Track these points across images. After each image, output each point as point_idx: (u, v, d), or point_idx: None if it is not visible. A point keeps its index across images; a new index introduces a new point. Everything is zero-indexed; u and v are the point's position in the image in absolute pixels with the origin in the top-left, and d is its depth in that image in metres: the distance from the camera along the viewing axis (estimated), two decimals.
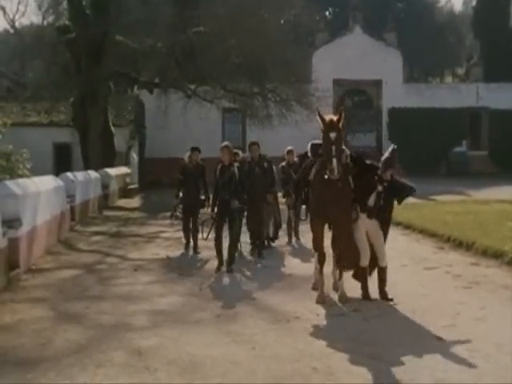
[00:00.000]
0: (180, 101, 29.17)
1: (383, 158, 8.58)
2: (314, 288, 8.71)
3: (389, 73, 38.31)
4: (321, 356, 6.14)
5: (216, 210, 10.73)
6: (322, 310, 7.91)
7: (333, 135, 7.89)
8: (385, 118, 39.02)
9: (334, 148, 7.83)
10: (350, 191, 8.32)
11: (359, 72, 37.47)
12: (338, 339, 6.66)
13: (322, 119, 8.11)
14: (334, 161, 7.76)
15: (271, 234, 13.17)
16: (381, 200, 8.41)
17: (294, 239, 13.69)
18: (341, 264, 8.49)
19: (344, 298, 8.25)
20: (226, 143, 11.11)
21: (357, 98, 47.21)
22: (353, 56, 37.56)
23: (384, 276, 8.56)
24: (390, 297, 8.36)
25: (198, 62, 27.18)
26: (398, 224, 15.47)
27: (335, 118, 8.10)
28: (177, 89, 28.73)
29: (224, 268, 10.46)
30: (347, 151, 8.34)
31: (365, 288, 8.50)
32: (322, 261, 8.45)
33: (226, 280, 10.04)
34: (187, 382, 5.54)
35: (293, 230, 13.65)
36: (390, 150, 8.65)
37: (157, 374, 5.71)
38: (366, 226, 8.44)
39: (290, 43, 28.72)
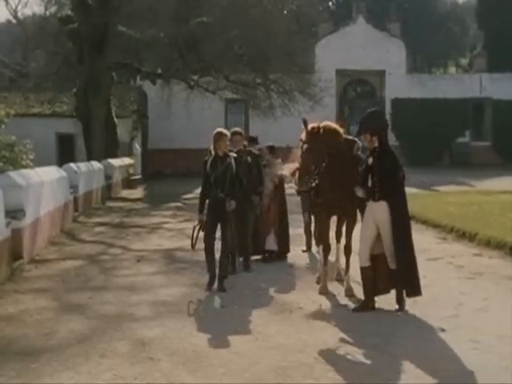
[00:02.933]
0: (183, 91, 29.13)
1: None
2: (319, 282, 8.57)
3: (392, 63, 38.19)
4: (323, 346, 6.16)
5: (206, 211, 8.75)
6: (324, 301, 7.92)
7: (305, 146, 7.79)
8: (388, 109, 38.89)
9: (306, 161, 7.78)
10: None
11: (362, 62, 37.37)
12: (341, 330, 6.68)
13: (306, 127, 7.89)
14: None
15: (271, 246, 10.66)
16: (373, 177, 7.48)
17: (314, 247, 10.74)
18: (348, 256, 8.33)
19: (350, 292, 8.15)
20: (236, 129, 9.86)
21: (360, 88, 47.14)
22: (356, 46, 37.45)
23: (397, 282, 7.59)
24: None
25: (200, 53, 27.12)
26: None
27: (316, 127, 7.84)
28: (179, 79, 28.68)
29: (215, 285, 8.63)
30: (359, 143, 8.23)
31: (367, 293, 7.60)
32: (326, 252, 8.41)
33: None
34: (190, 372, 5.56)
35: (312, 236, 10.80)
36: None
37: (160, 364, 5.73)
38: (374, 216, 7.50)
39: (293, 33, 28.63)
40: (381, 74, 38.73)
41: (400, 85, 38.03)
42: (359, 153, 8.22)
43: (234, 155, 8.91)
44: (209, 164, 8.71)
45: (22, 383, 5.31)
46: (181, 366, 5.70)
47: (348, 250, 8.32)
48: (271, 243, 10.62)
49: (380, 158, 7.49)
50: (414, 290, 7.35)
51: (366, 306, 7.47)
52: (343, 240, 8.47)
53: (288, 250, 10.82)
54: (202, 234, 8.75)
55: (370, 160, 7.53)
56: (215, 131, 8.74)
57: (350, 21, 39.67)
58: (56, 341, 6.46)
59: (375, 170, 7.49)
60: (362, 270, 7.56)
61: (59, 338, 6.54)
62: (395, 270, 7.38)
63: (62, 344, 6.33)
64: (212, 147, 8.71)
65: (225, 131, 8.88)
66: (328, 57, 36.42)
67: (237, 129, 10.13)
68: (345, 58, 37.03)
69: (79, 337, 6.56)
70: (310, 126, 7.88)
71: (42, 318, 7.33)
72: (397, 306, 7.39)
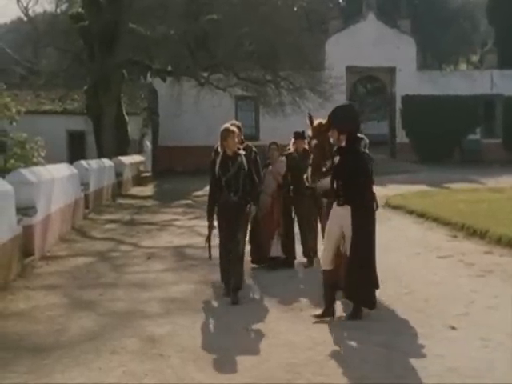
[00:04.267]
0: (193, 89, 29.17)
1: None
2: None
3: (402, 60, 38.06)
4: (334, 344, 6.16)
5: (217, 217, 8.15)
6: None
7: (313, 142, 7.79)
8: (398, 106, 38.80)
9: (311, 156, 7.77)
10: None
11: (373, 59, 37.26)
12: (351, 327, 6.67)
13: (311, 123, 7.88)
14: (309, 170, 7.76)
15: (276, 253, 9.74)
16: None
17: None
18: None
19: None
20: (232, 123, 8.48)
21: (370, 85, 47.07)
22: (366, 43, 37.34)
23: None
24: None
25: (210, 50, 27.17)
26: (411, 212, 15.46)
27: (323, 123, 7.75)
28: (190, 77, 28.71)
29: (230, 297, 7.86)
30: (366, 140, 8.13)
31: (327, 299, 7.08)
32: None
33: None
34: (200, 369, 5.57)
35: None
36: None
37: (170, 360, 5.76)
38: (339, 220, 6.93)
39: (303, 30, 28.65)
40: (391, 70, 38.62)
41: (410, 82, 37.90)
42: (366, 150, 8.15)
43: (244, 152, 8.24)
44: (218, 165, 7.99)
45: (33, 379, 5.34)
46: (191, 362, 5.72)
47: None
48: (275, 249, 9.67)
49: (345, 158, 6.94)
50: (366, 301, 6.94)
51: (327, 314, 6.98)
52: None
53: (294, 257, 9.86)
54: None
55: (336, 160, 7.05)
56: (222, 127, 8.06)
57: (361, 17, 39.55)
58: (67, 337, 6.49)
59: (339, 171, 6.98)
60: (325, 273, 7.11)
61: (70, 335, 6.57)
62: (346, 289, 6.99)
63: (73, 340, 6.36)
64: (219, 145, 8.05)
65: (232, 127, 8.12)
66: (338, 54, 36.33)
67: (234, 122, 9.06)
68: (355, 54, 36.93)
69: (90, 333, 6.59)
70: (316, 122, 7.84)
71: (53, 314, 7.37)
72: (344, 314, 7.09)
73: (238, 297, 7.78)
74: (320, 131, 7.74)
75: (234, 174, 7.97)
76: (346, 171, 6.88)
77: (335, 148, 7.19)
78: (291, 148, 10.01)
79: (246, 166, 8.02)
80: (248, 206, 8.14)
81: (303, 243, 10.01)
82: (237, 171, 7.97)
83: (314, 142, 7.82)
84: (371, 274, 6.95)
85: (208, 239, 8.32)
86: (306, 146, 9.18)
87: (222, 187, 8.02)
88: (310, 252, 9.93)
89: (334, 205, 7.03)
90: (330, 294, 7.04)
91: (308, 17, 34.19)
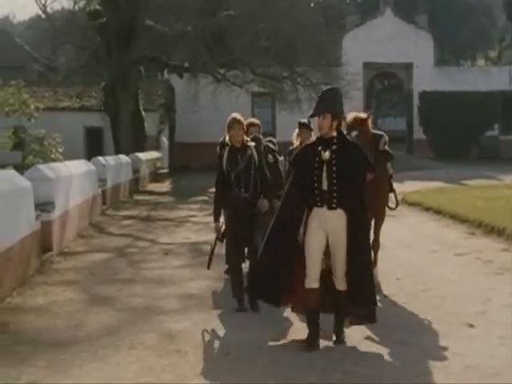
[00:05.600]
0: (210, 85, 29.22)
1: None
2: None
3: (420, 56, 37.87)
4: (350, 341, 6.15)
5: (227, 217, 7.42)
6: None
7: (354, 133, 7.42)
8: (415, 102, 38.61)
9: None
10: (387, 179, 8.08)
11: (390, 55, 37.11)
12: (368, 325, 6.65)
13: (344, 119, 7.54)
14: None
15: None
16: None
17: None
18: (376, 251, 8.08)
19: (377, 287, 7.65)
20: (234, 115, 7.47)
21: (387, 81, 46.85)
22: (383, 39, 37.19)
23: (342, 308, 6.06)
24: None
25: (227, 46, 27.19)
26: (428, 209, 15.40)
27: (360, 116, 7.59)
28: (207, 73, 28.77)
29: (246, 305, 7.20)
30: (386, 137, 8.02)
31: (312, 324, 5.99)
32: None
33: None
34: (218, 365, 5.59)
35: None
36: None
37: (188, 356, 5.78)
38: (324, 226, 5.87)
39: (320, 26, 28.56)
40: (408, 66, 38.44)
41: (428, 78, 37.70)
42: (386, 147, 8.09)
43: (253, 144, 7.42)
44: (225, 159, 7.21)
45: (52, 373, 5.38)
46: (208, 358, 5.75)
47: (376, 245, 8.12)
48: None
49: (342, 151, 5.82)
50: (372, 315, 6.08)
51: (312, 344, 5.88)
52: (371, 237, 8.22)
53: None
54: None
55: (326, 154, 5.80)
56: (229, 117, 7.36)
57: (378, 13, 39.41)
58: (85, 332, 6.54)
59: (335, 167, 5.79)
60: (310, 292, 5.89)
61: (88, 330, 6.62)
62: (347, 292, 5.94)
63: (91, 335, 6.41)
64: (227, 137, 7.34)
65: (239, 116, 7.34)
66: (355, 50, 36.22)
67: (253, 120, 8.83)
68: (372, 50, 36.80)
69: (108, 329, 6.64)
70: (350, 115, 7.48)
71: (72, 309, 7.42)
72: (334, 337, 6.03)
73: (258, 304, 7.01)
74: (360, 120, 7.49)
75: (243, 168, 7.15)
76: (348, 167, 5.80)
77: (314, 139, 6.13)
78: (295, 142, 8.45)
79: (256, 159, 7.24)
80: (264, 200, 7.19)
81: None
82: (247, 165, 7.17)
83: (355, 132, 7.40)
84: (371, 273, 6.16)
85: (213, 246, 7.47)
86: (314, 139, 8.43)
87: (232, 184, 7.19)
88: None
89: (317, 209, 5.86)
90: (314, 318, 5.96)
91: (325, 12, 34.07)
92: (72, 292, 8.29)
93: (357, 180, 5.88)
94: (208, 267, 7.60)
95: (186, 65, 29.68)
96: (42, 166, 11.21)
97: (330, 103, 5.90)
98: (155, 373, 5.38)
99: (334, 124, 5.83)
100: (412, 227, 13.24)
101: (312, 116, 6.16)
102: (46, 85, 34.06)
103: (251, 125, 8.44)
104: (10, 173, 9.58)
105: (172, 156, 33.85)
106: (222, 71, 28.65)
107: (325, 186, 5.79)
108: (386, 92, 50.31)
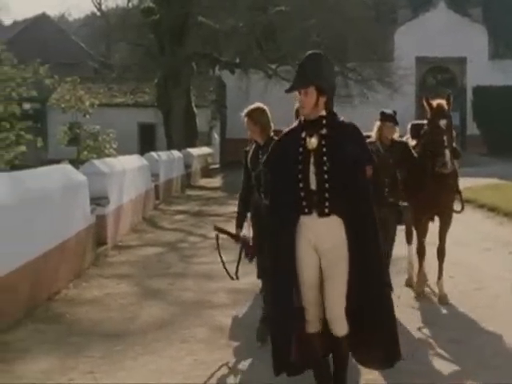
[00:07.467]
0: (261, 81, 29.26)
1: None
2: (408, 285, 7.89)
3: (474, 50, 37.16)
4: (402, 339, 6.11)
5: (252, 226, 6.48)
6: (403, 293, 7.82)
7: (443, 122, 6.93)
8: (469, 97, 37.92)
9: (445, 138, 6.85)
10: (456, 180, 7.62)
11: (443, 49, 36.51)
12: (423, 322, 6.61)
13: (429, 104, 7.06)
14: (447, 152, 6.78)
15: None
16: None
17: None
18: (442, 259, 7.45)
19: (445, 300, 7.23)
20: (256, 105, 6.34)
21: (440, 76, 46.05)
22: (436, 33, 36.61)
23: (344, 359, 4.45)
24: None
25: (278, 42, 27.20)
26: (482, 206, 15.12)
27: (445, 103, 7.04)
28: (258, 69, 28.85)
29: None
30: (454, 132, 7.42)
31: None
32: (422, 253, 7.55)
33: None
34: (265, 359, 5.64)
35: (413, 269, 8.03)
36: None
37: (238, 350, 5.84)
38: (315, 242, 4.28)
39: (371, 21, 28.32)
40: (462, 61, 37.78)
41: (482, 72, 36.96)
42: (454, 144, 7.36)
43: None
44: (249, 157, 6.14)
45: (107, 364, 5.51)
46: (260, 354, 5.79)
47: (441, 254, 7.46)
48: None
49: (335, 136, 4.28)
50: (395, 354, 4.50)
51: None
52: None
53: None
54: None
55: (313, 141, 4.25)
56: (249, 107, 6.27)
57: (431, 6, 38.81)
58: (138, 325, 6.66)
59: (326, 156, 4.23)
60: (311, 337, 4.39)
61: (141, 323, 6.74)
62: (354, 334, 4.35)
63: (144, 328, 6.53)
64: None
65: (261, 105, 6.41)
66: (407, 44, 35.77)
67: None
68: (425, 44, 36.28)
69: (160, 322, 6.75)
70: (435, 103, 7.03)
71: (125, 302, 7.57)
72: None
73: None
74: (448, 109, 6.93)
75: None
76: (340, 156, 4.23)
77: (296, 124, 4.52)
78: (373, 135, 6.90)
79: None
80: None
81: None
82: None
83: (444, 121, 6.95)
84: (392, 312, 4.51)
85: (239, 257, 6.55)
86: (397, 136, 6.95)
87: (253, 186, 6.02)
88: None
89: (304, 218, 4.27)
90: (325, 369, 4.50)
91: (376, 6, 33.75)
92: (125, 285, 8.45)
93: (357, 174, 4.27)
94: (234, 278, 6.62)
95: (237, 61, 29.82)
96: (96, 161, 11.43)
97: (314, 72, 4.41)
98: (209, 367, 5.44)
99: (322, 100, 4.35)
100: (465, 224, 13.00)
101: (289, 90, 4.48)
102: (100, 81, 34.71)
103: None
104: (66, 167, 9.79)
105: (223, 152, 34.07)
106: (272, 67, 28.67)
107: (313, 184, 4.23)
108: (439, 87, 49.50)
